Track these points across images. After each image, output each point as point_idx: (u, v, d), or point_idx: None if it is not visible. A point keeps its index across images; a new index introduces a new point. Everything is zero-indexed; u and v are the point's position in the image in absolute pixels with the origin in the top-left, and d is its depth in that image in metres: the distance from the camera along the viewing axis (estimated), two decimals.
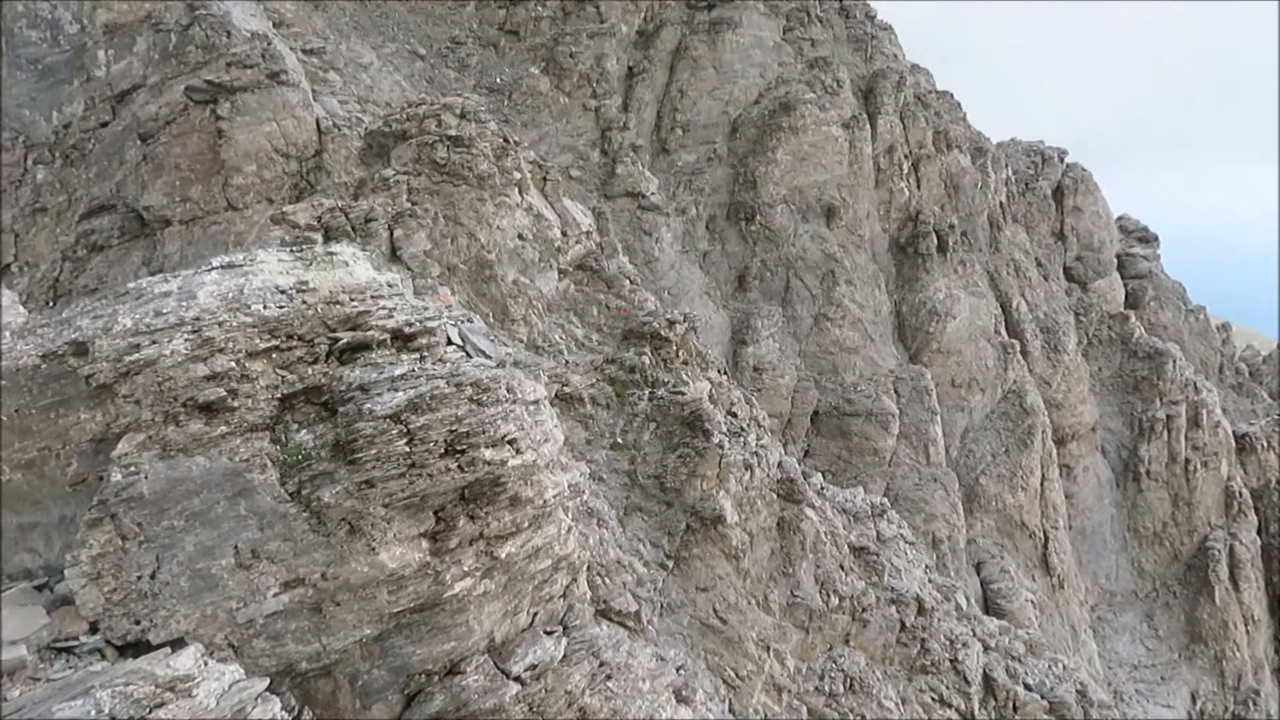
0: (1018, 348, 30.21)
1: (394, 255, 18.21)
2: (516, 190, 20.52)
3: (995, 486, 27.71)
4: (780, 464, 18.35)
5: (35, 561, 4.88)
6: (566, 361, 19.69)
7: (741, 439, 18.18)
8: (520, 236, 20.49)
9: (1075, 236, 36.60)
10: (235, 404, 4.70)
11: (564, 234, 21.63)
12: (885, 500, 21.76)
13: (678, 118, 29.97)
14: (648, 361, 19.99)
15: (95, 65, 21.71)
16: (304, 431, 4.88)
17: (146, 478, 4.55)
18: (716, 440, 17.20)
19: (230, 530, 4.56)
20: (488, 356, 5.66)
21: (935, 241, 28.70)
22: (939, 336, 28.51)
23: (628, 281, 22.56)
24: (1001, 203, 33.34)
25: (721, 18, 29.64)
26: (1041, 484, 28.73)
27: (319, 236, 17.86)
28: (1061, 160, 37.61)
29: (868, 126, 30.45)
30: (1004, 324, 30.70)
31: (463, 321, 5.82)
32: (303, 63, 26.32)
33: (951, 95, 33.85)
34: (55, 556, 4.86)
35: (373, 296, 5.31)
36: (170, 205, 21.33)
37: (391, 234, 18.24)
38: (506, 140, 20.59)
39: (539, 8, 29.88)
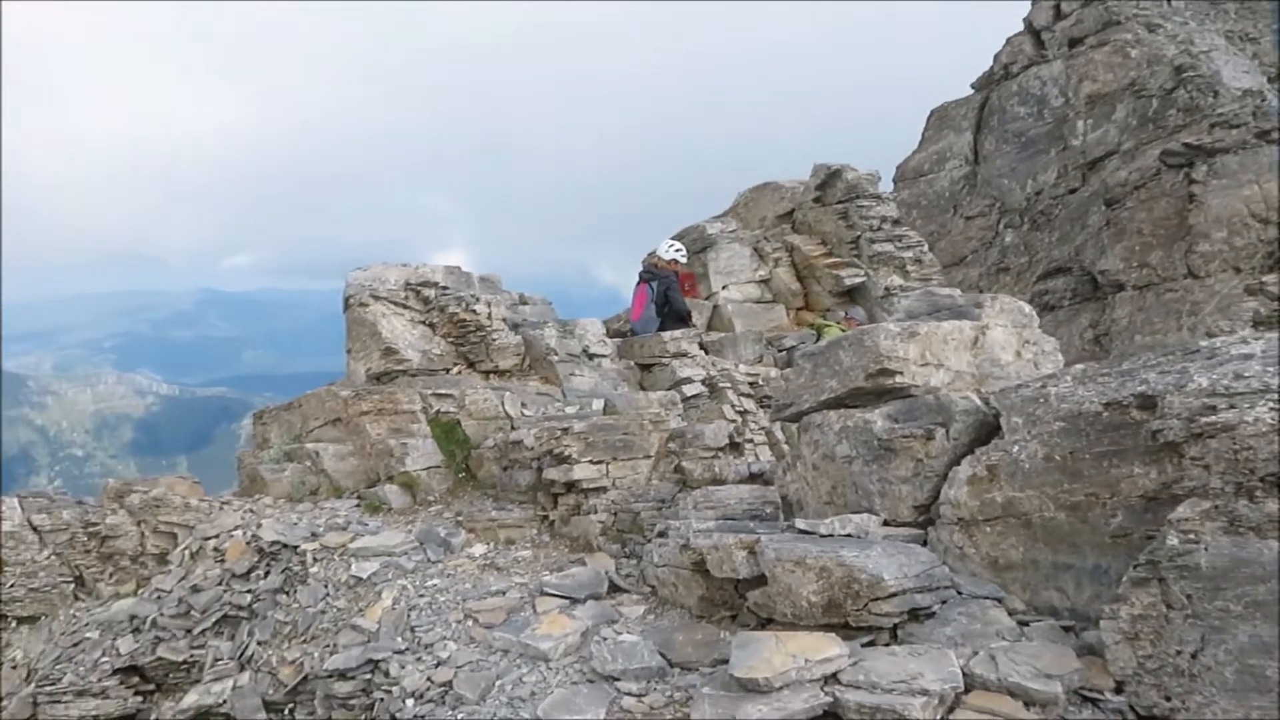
0: None
1: None
2: None
3: None
4: None
5: (1062, 602, 4.94)
6: None
7: None
8: None
9: None
10: None
11: None
12: None
13: None
14: None
15: (1073, 135, 22.69)
16: None
17: (1206, 550, 4.20)
18: None
19: None
20: None
21: None
22: None
23: None
24: None
25: None
26: None
27: None
28: None
29: None
30: None
31: None
32: None
33: None
34: (1083, 603, 4.86)
35: None
36: (1126, 270, 21.13)
37: None
38: None
39: None
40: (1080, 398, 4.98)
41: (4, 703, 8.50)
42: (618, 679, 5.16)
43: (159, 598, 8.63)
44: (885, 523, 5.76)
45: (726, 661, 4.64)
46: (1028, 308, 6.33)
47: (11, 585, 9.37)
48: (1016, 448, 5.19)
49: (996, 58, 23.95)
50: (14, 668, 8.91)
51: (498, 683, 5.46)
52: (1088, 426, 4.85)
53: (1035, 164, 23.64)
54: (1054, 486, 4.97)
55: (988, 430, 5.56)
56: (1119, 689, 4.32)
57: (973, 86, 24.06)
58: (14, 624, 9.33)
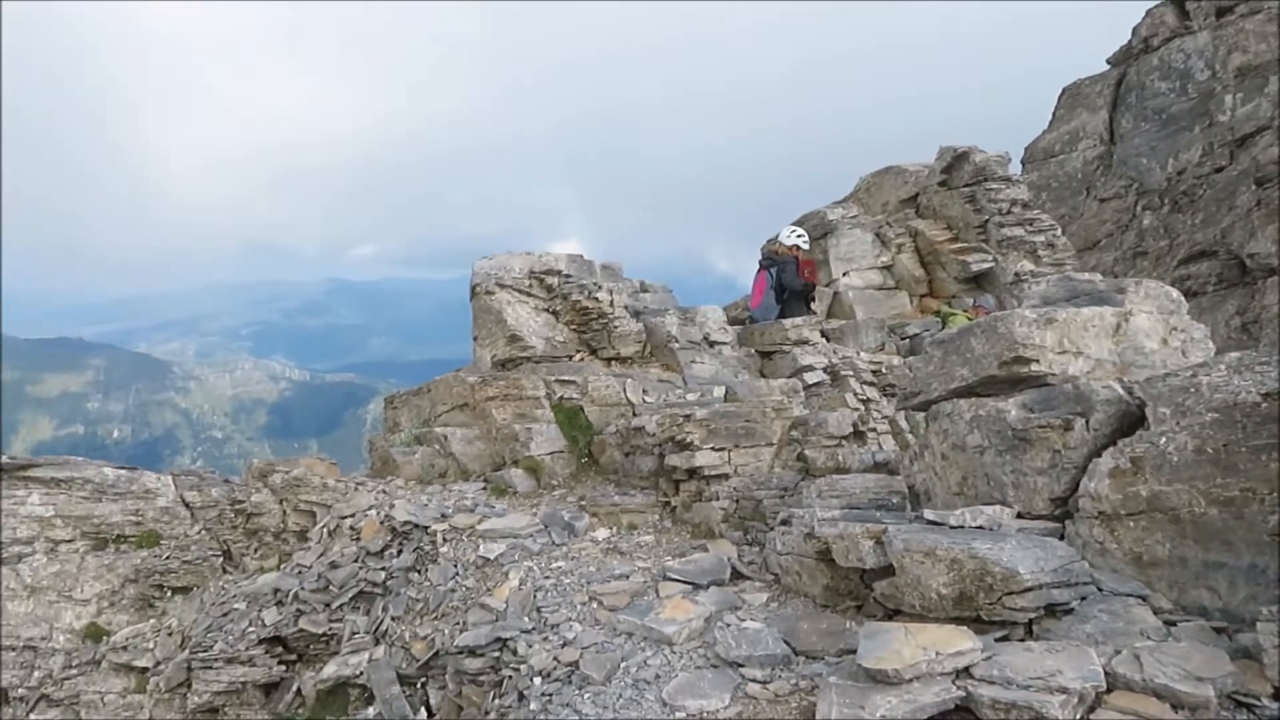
0: None
1: None
2: None
3: None
4: None
5: (1213, 602, 4.70)
6: None
7: None
8: None
9: None
10: None
11: None
12: None
13: None
14: None
15: (1220, 110, 21.41)
16: None
17: None
18: None
19: None
20: None
21: None
22: None
23: None
24: None
25: None
26: None
27: None
28: None
29: None
30: None
31: None
32: None
33: None
34: (1237, 604, 4.61)
35: None
36: (1277, 254, 19.88)
37: None
38: None
39: None
40: (1236, 387, 4.72)
41: (162, 666, 9.11)
42: (742, 665, 5.18)
43: (300, 573, 9.08)
44: (1019, 515, 5.59)
45: (853, 651, 4.59)
46: (1175, 293, 6.02)
47: (167, 557, 10.02)
48: (1164, 439, 4.95)
49: (1135, 31, 22.78)
50: (170, 634, 9.53)
51: (623, 664, 5.54)
52: (1244, 418, 4.59)
53: (1177, 142, 22.42)
54: (1205, 481, 4.73)
55: (1131, 421, 5.33)
56: (1277, 695, 4.10)
57: (1109, 62, 22.94)
58: (169, 593, 9.97)
